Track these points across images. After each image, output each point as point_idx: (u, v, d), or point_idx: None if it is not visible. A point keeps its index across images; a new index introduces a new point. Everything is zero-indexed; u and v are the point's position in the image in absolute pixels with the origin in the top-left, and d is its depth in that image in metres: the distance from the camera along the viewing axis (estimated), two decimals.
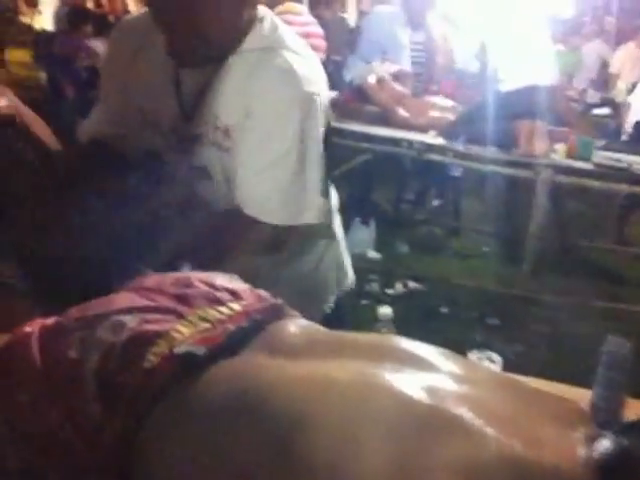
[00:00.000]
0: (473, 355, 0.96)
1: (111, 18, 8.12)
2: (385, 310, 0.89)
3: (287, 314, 0.70)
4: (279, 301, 0.70)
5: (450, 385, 0.58)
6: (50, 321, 0.68)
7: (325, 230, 1.25)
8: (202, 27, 0.98)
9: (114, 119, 1.15)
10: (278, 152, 1.02)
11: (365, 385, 0.55)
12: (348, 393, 0.55)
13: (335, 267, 1.29)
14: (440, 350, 0.64)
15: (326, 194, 1.12)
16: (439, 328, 2.91)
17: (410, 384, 0.56)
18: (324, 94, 1.07)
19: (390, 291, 3.28)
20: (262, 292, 0.71)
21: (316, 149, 1.05)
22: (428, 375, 0.59)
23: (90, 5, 10.04)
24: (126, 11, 9.49)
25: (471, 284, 3.40)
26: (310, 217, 1.07)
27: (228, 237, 1.03)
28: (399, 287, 3.33)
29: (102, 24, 6.90)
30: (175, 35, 0.99)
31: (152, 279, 0.71)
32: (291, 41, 1.07)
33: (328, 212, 1.25)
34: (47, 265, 0.87)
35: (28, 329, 0.66)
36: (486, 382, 0.60)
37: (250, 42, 1.05)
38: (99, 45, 6.09)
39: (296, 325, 0.68)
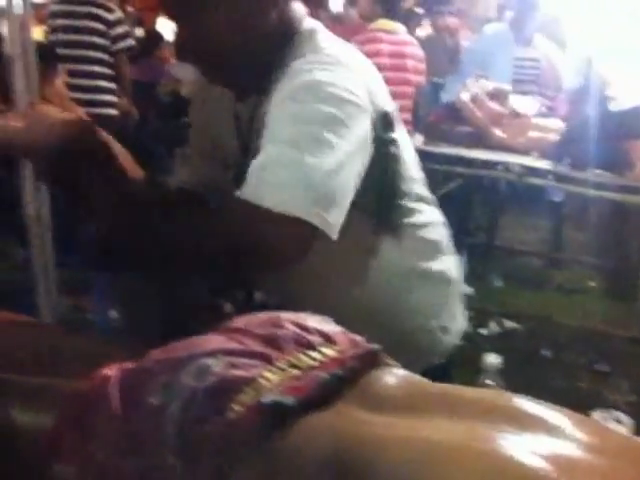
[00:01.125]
0: (597, 415, 0.88)
1: None
2: (492, 359, 0.82)
3: (384, 362, 0.66)
4: (376, 347, 0.66)
5: (579, 455, 0.52)
6: (131, 364, 0.67)
7: (432, 262, 1.17)
8: (222, 53, 0.99)
9: (198, 162, 1.20)
10: (286, 134, 0.91)
11: (482, 452, 0.51)
12: (460, 460, 0.50)
13: (446, 312, 1.20)
14: (562, 410, 0.59)
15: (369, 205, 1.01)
16: (539, 374, 2.78)
17: (533, 453, 0.51)
18: (362, 100, 0.97)
19: (484, 331, 3.17)
20: (357, 336, 0.68)
21: (347, 144, 0.92)
22: (552, 442, 0.53)
23: (168, 29, 10.55)
24: None
25: (576, 324, 3.24)
26: (338, 219, 0.90)
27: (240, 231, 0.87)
28: (493, 326, 3.22)
29: None
30: (201, 66, 1.02)
31: (240, 319, 0.70)
32: (329, 50, 1.01)
33: (437, 243, 1.18)
34: (141, 305, 0.88)
35: (108, 372, 0.65)
36: (620, 451, 0.54)
37: (285, 61, 1.02)
38: (180, 70, 6.34)
39: (395, 376, 0.64)
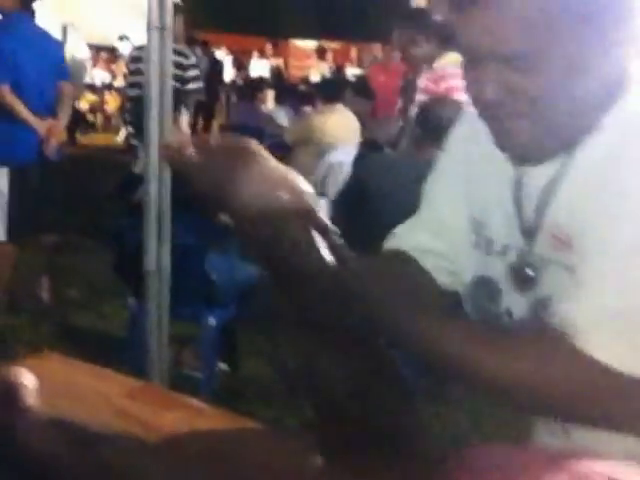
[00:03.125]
0: None
1: (291, 85, 8.66)
2: None
3: None
4: None
5: None
6: None
7: None
8: (543, 106, 0.79)
9: (437, 232, 0.99)
10: None
11: None
12: None
13: None
14: None
15: None
16: None
17: None
18: None
19: None
20: None
21: None
22: None
23: (263, 69, 10.86)
24: (305, 79, 10.09)
25: None
26: None
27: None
28: None
29: (283, 92, 7.32)
30: (503, 122, 0.82)
31: (517, 457, 0.56)
32: None
33: None
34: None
35: None
36: None
37: (616, 113, 0.80)
38: (281, 115, 6.41)
39: None
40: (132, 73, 4.26)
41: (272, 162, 0.72)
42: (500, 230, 0.91)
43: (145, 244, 2.31)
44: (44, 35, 3.48)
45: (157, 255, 2.32)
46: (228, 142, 0.73)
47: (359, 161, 3.00)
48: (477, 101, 0.83)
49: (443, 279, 0.99)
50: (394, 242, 1.02)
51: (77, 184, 3.84)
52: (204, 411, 1.06)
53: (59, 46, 3.65)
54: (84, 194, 4.54)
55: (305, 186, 0.73)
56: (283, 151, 5.50)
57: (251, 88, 6.81)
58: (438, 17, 3.89)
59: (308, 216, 0.73)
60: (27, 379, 0.88)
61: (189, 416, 1.03)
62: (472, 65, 0.81)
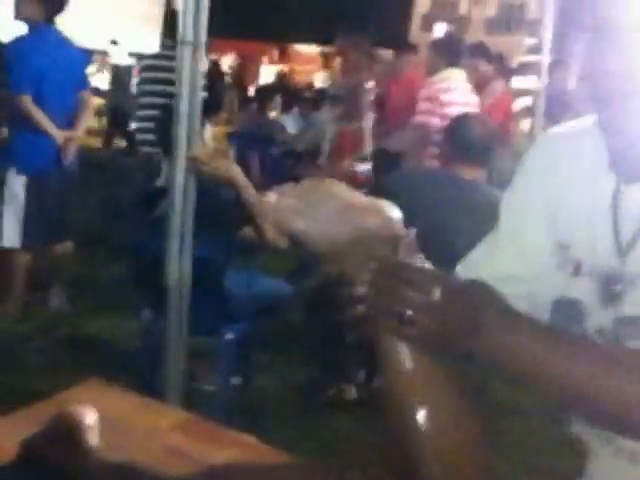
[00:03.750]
0: None
1: (297, 92, 8.63)
2: None
3: None
4: None
5: None
6: None
7: None
8: None
9: (517, 254, 0.95)
10: None
11: None
12: None
13: None
14: None
15: None
16: None
17: None
18: None
19: None
20: None
21: None
22: None
23: (271, 75, 10.84)
24: (310, 85, 10.10)
25: None
26: None
27: None
28: None
29: (291, 99, 7.29)
30: (622, 104, 0.80)
31: None
32: None
33: None
34: None
35: None
36: None
37: None
38: (289, 122, 6.38)
39: None
40: (144, 82, 4.18)
41: (355, 193, 0.71)
42: (590, 250, 0.89)
43: (167, 257, 2.28)
44: (69, 45, 3.44)
45: (178, 269, 2.29)
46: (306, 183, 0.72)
47: (387, 175, 2.99)
48: (601, 74, 0.81)
49: (521, 305, 0.93)
50: (470, 271, 0.96)
51: (89, 193, 3.81)
52: (257, 449, 1.02)
53: (82, 56, 3.61)
54: (98, 203, 4.51)
55: (394, 212, 0.72)
56: (291, 159, 5.46)
57: (258, 95, 6.77)
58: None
59: (396, 243, 0.71)
60: (89, 418, 0.84)
61: (242, 453, 0.99)
62: (602, 35, 0.80)
